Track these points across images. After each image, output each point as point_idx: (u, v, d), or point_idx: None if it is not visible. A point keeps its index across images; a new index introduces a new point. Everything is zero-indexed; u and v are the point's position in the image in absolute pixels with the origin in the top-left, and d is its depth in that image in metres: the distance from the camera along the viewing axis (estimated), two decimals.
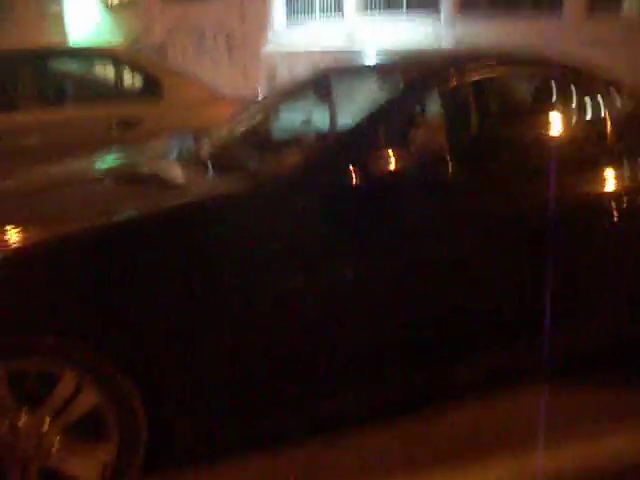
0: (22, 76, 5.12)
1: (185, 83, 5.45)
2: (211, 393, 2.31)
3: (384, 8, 16.08)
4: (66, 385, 2.13)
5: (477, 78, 2.85)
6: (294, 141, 2.92)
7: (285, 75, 17.33)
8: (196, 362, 2.26)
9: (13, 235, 2.30)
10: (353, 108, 2.94)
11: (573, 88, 3.07)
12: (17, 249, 2.23)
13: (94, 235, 2.23)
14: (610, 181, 2.79)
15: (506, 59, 2.98)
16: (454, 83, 2.77)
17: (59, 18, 27.08)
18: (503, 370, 2.79)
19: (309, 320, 2.35)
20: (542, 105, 3.00)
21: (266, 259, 2.29)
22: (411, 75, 2.78)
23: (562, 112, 2.99)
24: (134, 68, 5.27)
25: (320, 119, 3.17)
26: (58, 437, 2.17)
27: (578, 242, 2.72)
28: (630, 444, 2.62)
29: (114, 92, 5.25)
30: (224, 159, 2.85)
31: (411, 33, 15.42)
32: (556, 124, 2.99)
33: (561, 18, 13.14)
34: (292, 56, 17.92)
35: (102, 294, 2.16)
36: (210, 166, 2.74)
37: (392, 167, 2.36)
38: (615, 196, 2.78)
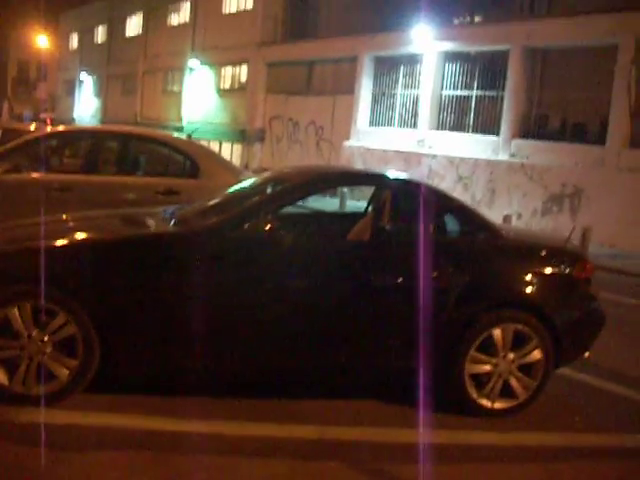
0: (102, 148, 7.34)
1: (218, 167, 7.45)
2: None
3: (452, 128, 18.39)
4: (59, 319, 4.01)
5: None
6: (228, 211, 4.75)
7: (360, 166, 19.52)
8: (135, 323, 4.12)
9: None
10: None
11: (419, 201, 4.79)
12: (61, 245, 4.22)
13: (95, 243, 4.29)
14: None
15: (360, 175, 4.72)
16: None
17: (178, 97, 30.82)
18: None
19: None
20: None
21: (184, 270, 4.18)
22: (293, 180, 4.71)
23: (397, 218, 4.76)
24: (181, 152, 7.34)
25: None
26: (50, 349, 4.04)
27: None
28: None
29: (164, 168, 7.32)
30: (185, 218, 4.76)
31: (473, 146, 17.49)
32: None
33: (604, 147, 14.73)
34: (369, 152, 20.26)
35: (90, 273, 4.09)
36: (173, 221, 4.65)
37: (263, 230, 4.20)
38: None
